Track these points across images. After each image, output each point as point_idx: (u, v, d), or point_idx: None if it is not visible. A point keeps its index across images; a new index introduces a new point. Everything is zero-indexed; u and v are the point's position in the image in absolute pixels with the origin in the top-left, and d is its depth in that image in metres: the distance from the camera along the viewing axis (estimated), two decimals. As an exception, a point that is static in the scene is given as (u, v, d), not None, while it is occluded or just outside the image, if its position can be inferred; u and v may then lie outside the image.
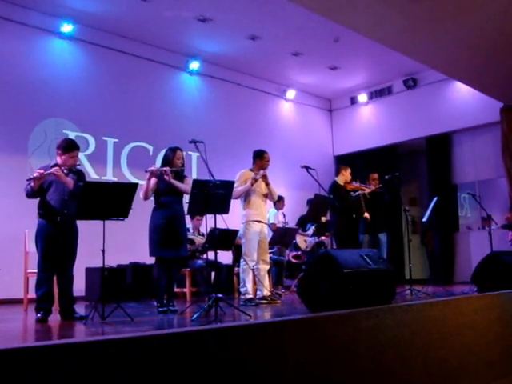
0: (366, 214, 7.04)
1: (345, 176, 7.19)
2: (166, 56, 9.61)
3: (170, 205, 5.20)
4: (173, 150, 5.34)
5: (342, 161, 11.80)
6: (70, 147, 4.80)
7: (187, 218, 6.89)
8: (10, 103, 7.71)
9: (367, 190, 7.16)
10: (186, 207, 5.13)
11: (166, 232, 5.11)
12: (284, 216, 8.78)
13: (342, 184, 7.12)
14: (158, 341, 1.89)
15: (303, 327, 2.49)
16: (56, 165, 4.74)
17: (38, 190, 4.65)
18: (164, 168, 5.18)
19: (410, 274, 6.94)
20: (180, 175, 5.34)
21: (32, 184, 4.60)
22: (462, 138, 11.08)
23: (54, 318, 4.78)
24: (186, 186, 5.29)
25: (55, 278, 4.80)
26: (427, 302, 3.69)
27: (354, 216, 6.98)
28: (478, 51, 7.67)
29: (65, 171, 4.71)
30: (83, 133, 8.43)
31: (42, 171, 4.61)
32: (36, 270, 5.71)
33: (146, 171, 5.23)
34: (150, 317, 4.94)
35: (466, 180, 11.05)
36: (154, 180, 5.18)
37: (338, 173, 7.35)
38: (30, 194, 4.70)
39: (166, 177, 5.11)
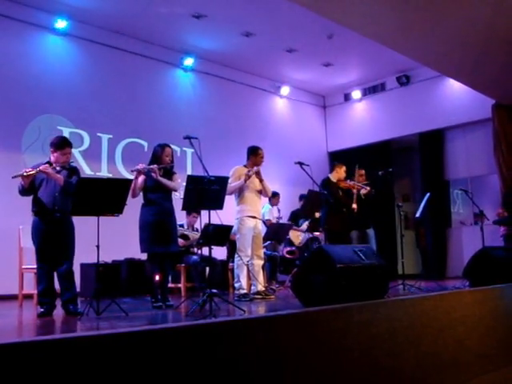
0: (354, 205, 7.01)
1: (339, 173, 7.18)
2: (160, 52, 9.60)
3: (159, 201, 5.22)
4: (162, 147, 5.37)
5: (335, 157, 11.85)
6: (61, 144, 4.81)
7: (182, 214, 6.95)
8: (3, 99, 7.68)
9: (362, 191, 7.10)
10: (180, 203, 5.15)
11: (156, 228, 5.13)
12: (279, 211, 8.81)
13: (334, 181, 7.12)
14: (153, 336, 1.91)
15: (297, 322, 2.52)
16: (48, 162, 4.76)
17: (30, 187, 4.67)
18: (151, 166, 5.19)
19: (402, 269, 6.99)
20: (169, 172, 5.35)
21: (22, 182, 4.63)
22: (455, 134, 11.15)
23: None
24: (174, 182, 5.31)
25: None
26: (419, 296, 3.72)
27: (345, 210, 6.96)
28: (471, 48, 7.71)
29: (57, 168, 4.72)
30: (77, 129, 8.41)
31: (28, 169, 4.64)
32: (30, 266, 5.76)
33: (132, 170, 5.25)
34: (145, 312, 4.96)
35: (458, 176, 11.12)
36: (141, 178, 5.20)
37: (332, 169, 7.35)
38: (22, 192, 4.73)
39: (153, 174, 5.13)
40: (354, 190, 7.06)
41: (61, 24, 8.30)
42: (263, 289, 6.11)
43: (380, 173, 7.33)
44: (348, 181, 7.21)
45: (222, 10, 8.45)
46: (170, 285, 6.13)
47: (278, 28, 9.07)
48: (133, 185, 5.11)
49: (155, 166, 5.19)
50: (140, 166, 5.20)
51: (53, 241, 4.67)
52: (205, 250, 5.77)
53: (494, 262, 5.51)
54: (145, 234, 5.18)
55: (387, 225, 10.81)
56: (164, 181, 5.21)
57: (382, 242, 7.57)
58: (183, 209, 5.34)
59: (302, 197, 8.58)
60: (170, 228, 5.26)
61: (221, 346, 2.10)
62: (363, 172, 7.47)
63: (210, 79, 10.40)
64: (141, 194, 5.30)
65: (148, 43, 9.38)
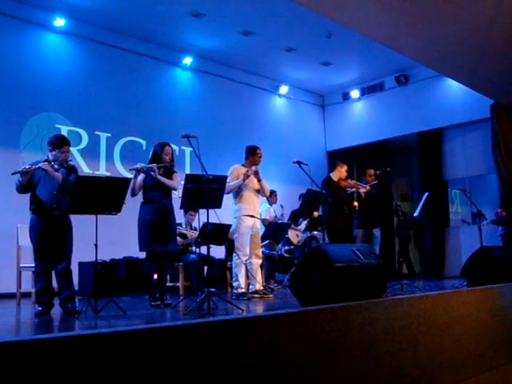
0: (355, 203, 6.99)
1: (340, 172, 7.17)
2: (159, 51, 9.59)
3: (158, 200, 5.22)
4: (161, 145, 5.37)
5: (334, 156, 11.87)
6: (60, 143, 4.79)
7: (180, 213, 6.95)
8: (1, 97, 7.67)
9: (362, 190, 7.10)
10: (178, 202, 5.15)
11: (155, 227, 5.14)
12: (282, 207, 8.82)
13: (335, 180, 7.12)
14: (151, 334, 1.91)
15: (295, 321, 2.53)
16: (47, 160, 4.75)
17: (28, 184, 4.66)
18: (150, 165, 5.19)
19: (400, 269, 6.99)
20: (169, 170, 5.36)
21: (20, 179, 4.62)
22: (453, 134, 11.16)
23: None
24: (173, 182, 5.32)
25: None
26: (417, 295, 3.73)
27: (346, 209, 6.96)
28: (470, 48, 7.71)
29: (55, 166, 4.71)
30: (76, 127, 8.41)
31: (28, 166, 4.63)
32: (28, 265, 5.75)
33: (131, 169, 5.24)
34: (143, 311, 4.96)
35: (456, 176, 11.13)
36: (141, 176, 5.21)
37: (333, 168, 7.34)
38: (19, 189, 4.71)
39: (152, 173, 5.14)
40: (354, 189, 7.06)
41: (59, 22, 8.30)
42: (261, 288, 6.11)
43: (378, 172, 7.34)
44: (349, 180, 7.21)
45: (220, 8, 8.45)
46: (168, 283, 6.13)
47: (277, 27, 9.07)
48: (132, 184, 5.12)
49: (154, 164, 5.20)
50: (139, 166, 5.20)
51: (51, 239, 4.66)
52: (203, 249, 5.77)
53: (492, 262, 5.52)
54: (143, 232, 5.18)
55: (386, 224, 10.81)
56: (164, 180, 5.22)
57: (382, 243, 7.55)
58: (181, 207, 5.34)
59: (301, 196, 8.59)
60: (169, 226, 5.26)
61: (218, 344, 2.10)
62: (372, 172, 7.46)
63: (209, 78, 10.40)
64: (140, 192, 5.30)
65: (147, 42, 9.37)
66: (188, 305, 4.88)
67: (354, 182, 7.18)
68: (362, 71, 11.39)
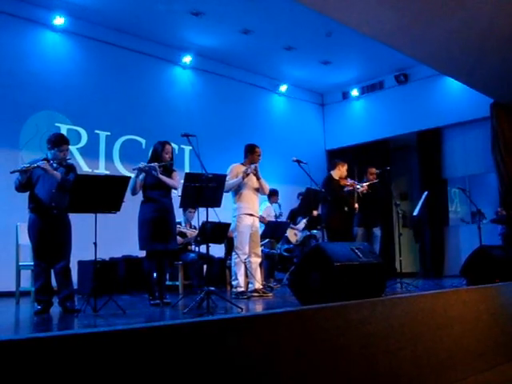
0: (356, 205, 7.01)
1: (341, 171, 7.17)
2: (158, 49, 9.58)
3: (158, 198, 5.23)
4: (161, 144, 5.38)
5: (333, 155, 11.86)
6: (59, 141, 4.79)
7: (180, 212, 6.95)
8: (1, 96, 7.65)
9: (360, 189, 7.11)
10: (178, 201, 5.16)
11: (155, 225, 5.14)
12: (280, 207, 8.81)
13: (336, 178, 7.13)
14: (150, 333, 1.91)
15: (294, 320, 2.53)
16: (46, 159, 4.74)
17: (27, 183, 4.65)
18: (152, 164, 5.20)
19: (400, 268, 7.00)
20: (168, 169, 5.36)
21: (19, 177, 4.61)
22: (453, 133, 11.16)
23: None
24: (173, 180, 5.33)
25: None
26: (417, 294, 3.73)
27: (346, 209, 6.97)
28: (470, 47, 7.71)
29: (54, 165, 4.70)
30: (75, 126, 8.40)
31: (27, 165, 4.63)
32: (28, 263, 5.74)
33: (134, 169, 5.25)
34: (142, 309, 4.96)
35: (456, 175, 11.14)
36: (141, 175, 5.21)
37: (334, 167, 7.34)
38: (18, 187, 4.71)
39: (154, 172, 5.14)
40: (351, 188, 7.07)
41: (59, 21, 8.29)
42: (261, 287, 6.11)
43: (378, 171, 7.34)
44: (348, 179, 7.22)
45: (220, 7, 8.44)
46: (167, 282, 6.13)
47: (277, 25, 9.07)
48: (133, 183, 5.13)
49: (156, 164, 5.20)
50: (142, 165, 5.21)
51: (49, 238, 4.65)
52: (203, 248, 5.77)
53: (492, 261, 5.52)
54: (144, 231, 5.18)
55: (386, 223, 10.82)
56: (164, 179, 5.23)
57: (382, 241, 7.56)
58: (181, 206, 5.34)
59: (300, 195, 8.58)
60: (169, 225, 5.27)
61: (218, 343, 2.10)
62: (374, 170, 7.46)
63: (209, 76, 10.39)
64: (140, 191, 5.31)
65: (146, 40, 9.36)
66: (187, 303, 4.88)
67: (352, 181, 7.20)
68: (362, 70, 11.39)
